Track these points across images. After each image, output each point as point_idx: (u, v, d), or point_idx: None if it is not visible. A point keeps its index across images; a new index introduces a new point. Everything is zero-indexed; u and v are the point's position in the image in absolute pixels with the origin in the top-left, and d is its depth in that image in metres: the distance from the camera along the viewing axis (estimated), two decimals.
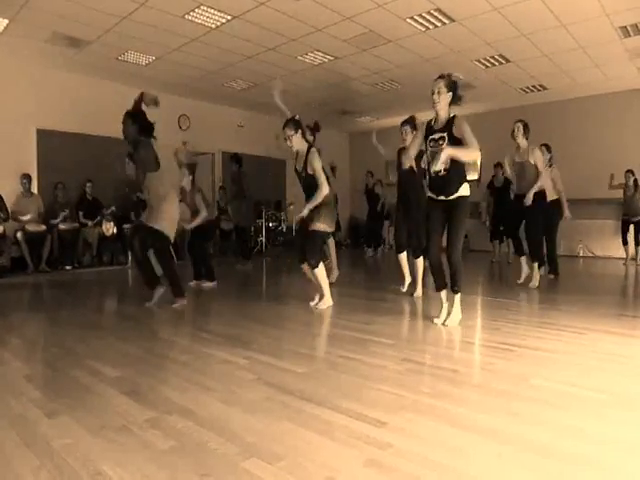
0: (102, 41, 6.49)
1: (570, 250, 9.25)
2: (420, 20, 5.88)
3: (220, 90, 8.94)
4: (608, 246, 8.95)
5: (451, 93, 3.28)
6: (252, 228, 9.27)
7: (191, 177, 5.54)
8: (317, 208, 4.06)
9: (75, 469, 1.44)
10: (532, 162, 5.16)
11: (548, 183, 5.80)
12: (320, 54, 7.11)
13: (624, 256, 8.11)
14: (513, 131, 5.29)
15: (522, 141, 5.26)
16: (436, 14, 5.72)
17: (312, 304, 4.18)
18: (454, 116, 3.31)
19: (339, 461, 1.49)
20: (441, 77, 3.33)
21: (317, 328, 3.50)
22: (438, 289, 3.57)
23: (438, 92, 3.28)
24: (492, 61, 7.35)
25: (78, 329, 3.41)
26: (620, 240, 8.06)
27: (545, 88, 8.78)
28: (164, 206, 4.16)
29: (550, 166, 5.88)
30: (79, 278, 6.46)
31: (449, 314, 3.45)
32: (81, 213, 7.60)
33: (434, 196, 3.46)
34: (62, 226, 7.13)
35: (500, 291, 5.18)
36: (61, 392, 2.12)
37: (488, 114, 10.24)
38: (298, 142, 4.10)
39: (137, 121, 4.16)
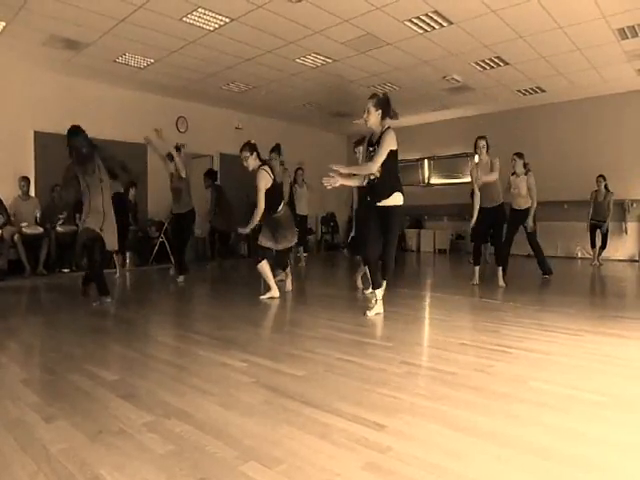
0: (100, 43, 6.48)
1: (568, 252, 9.27)
2: (418, 22, 5.89)
3: (218, 92, 8.94)
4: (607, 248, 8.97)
5: (380, 110, 3.68)
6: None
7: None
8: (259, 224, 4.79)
9: (72, 473, 1.44)
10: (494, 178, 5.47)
11: (523, 190, 5.91)
12: (318, 57, 7.12)
13: (620, 258, 8.15)
14: (476, 147, 5.56)
15: (485, 157, 5.54)
16: (434, 16, 5.72)
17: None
18: (386, 130, 3.71)
19: (338, 464, 1.49)
20: (371, 97, 3.75)
21: (313, 330, 3.50)
22: (375, 287, 3.89)
23: (367, 111, 3.71)
24: (490, 63, 7.36)
25: (75, 333, 3.41)
26: (618, 242, 8.11)
27: (543, 90, 8.79)
28: (111, 214, 4.62)
29: (526, 173, 6.03)
30: (76, 281, 6.43)
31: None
32: (78, 216, 7.57)
33: (372, 201, 3.81)
34: (60, 229, 7.11)
35: (495, 293, 5.17)
36: (58, 396, 2.11)
37: (486, 116, 10.27)
38: (252, 162, 4.85)
39: (80, 135, 4.59)
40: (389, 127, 3.71)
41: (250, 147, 4.91)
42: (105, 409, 1.95)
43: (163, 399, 2.06)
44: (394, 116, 3.78)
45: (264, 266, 4.74)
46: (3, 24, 5.78)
